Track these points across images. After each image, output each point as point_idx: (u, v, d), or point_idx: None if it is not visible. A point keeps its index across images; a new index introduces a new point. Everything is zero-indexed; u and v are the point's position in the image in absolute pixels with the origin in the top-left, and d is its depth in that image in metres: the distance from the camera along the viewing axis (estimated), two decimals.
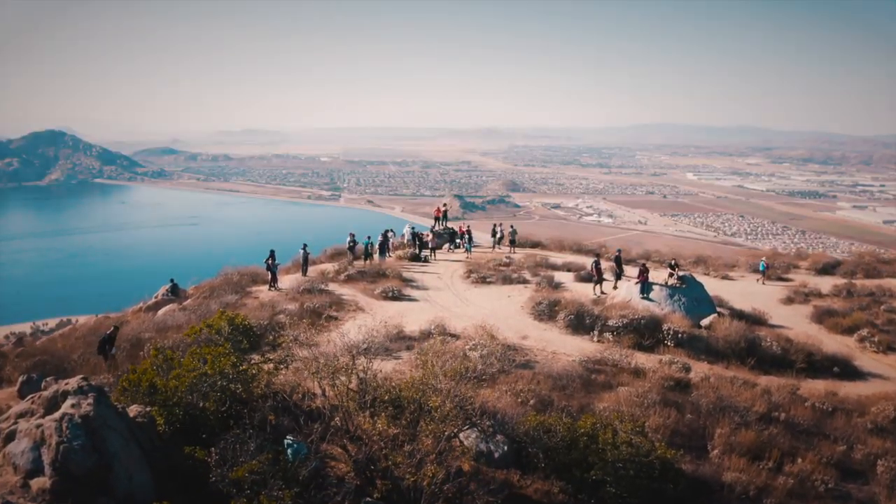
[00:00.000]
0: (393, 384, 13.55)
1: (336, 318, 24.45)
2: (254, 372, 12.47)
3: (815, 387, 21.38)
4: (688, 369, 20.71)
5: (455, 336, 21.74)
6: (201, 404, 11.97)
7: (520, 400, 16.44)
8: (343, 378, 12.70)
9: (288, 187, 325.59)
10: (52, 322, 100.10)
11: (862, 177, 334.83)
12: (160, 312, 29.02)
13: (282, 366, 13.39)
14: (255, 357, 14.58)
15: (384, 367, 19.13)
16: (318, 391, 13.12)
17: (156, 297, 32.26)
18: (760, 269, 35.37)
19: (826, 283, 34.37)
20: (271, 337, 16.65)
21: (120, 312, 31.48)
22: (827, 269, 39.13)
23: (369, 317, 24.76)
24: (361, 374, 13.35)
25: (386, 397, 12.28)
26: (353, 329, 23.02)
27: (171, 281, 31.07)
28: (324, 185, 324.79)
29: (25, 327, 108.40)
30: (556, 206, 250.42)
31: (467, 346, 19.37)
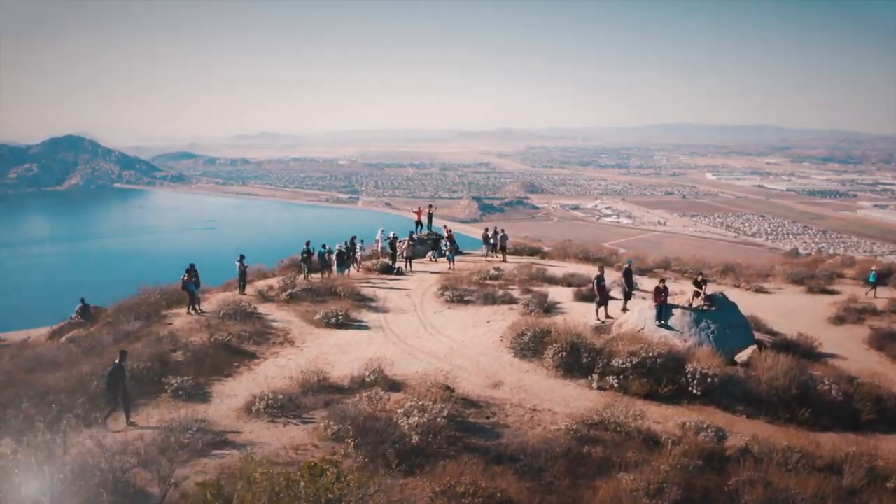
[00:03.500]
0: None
1: (254, 356, 18.71)
2: None
3: (893, 449, 15.41)
4: (722, 437, 14.62)
5: (398, 386, 15.89)
6: None
7: None
8: None
9: (306, 190, 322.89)
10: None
11: (882, 175, 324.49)
12: (62, 340, 23.71)
13: None
14: None
15: (279, 438, 13.40)
16: None
17: (73, 318, 26.99)
18: (871, 279, 29.03)
19: (880, 297, 28.18)
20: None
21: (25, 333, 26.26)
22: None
23: (298, 353, 19.02)
24: None
25: None
26: (268, 372, 17.47)
27: (82, 301, 25.53)
28: (342, 187, 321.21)
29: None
30: (575, 208, 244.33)
31: (401, 409, 13.50)
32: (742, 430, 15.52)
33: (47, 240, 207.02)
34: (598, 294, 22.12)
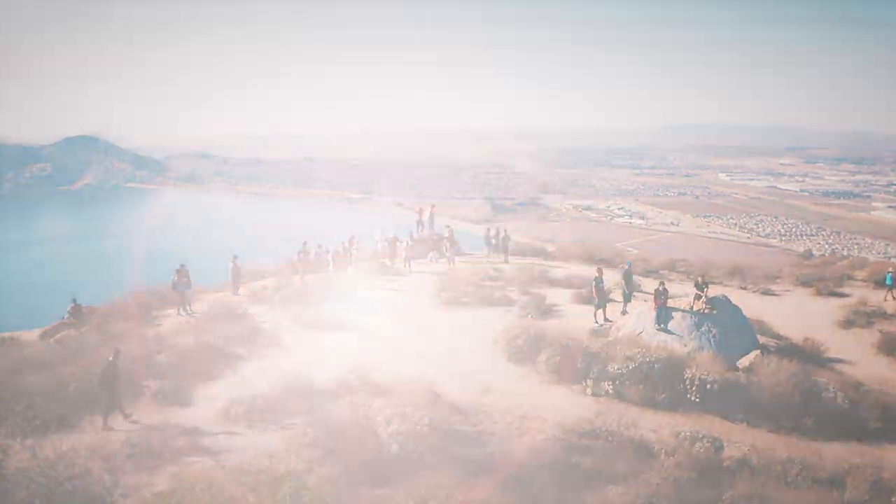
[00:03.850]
0: None
1: (240, 359, 18.34)
2: None
3: None
4: (719, 447, 13.98)
5: (383, 391, 15.39)
6: None
7: None
8: None
9: (319, 190, 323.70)
10: None
11: None
12: (52, 341, 23.45)
13: None
14: None
15: (256, 444, 12.96)
16: None
17: (65, 318, 26.80)
18: (887, 282, 27.99)
19: (891, 300, 27.25)
20: None
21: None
22: None
23: (285, 355, 18.63)
24: None
25: None
26: (252, 376, 17.07)
27: (74, 301, 25.23)
28: (354, 187, 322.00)
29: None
30: (588, 208, 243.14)
31: (381, 416, 13.01)
32: (741, 440, 14.93)
33: (55, 239, 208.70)
34: (595, 296, 21.50)
